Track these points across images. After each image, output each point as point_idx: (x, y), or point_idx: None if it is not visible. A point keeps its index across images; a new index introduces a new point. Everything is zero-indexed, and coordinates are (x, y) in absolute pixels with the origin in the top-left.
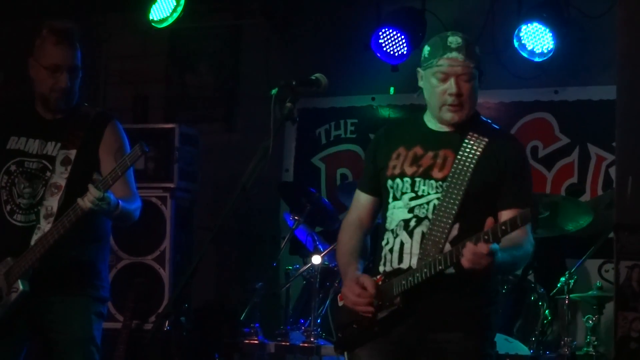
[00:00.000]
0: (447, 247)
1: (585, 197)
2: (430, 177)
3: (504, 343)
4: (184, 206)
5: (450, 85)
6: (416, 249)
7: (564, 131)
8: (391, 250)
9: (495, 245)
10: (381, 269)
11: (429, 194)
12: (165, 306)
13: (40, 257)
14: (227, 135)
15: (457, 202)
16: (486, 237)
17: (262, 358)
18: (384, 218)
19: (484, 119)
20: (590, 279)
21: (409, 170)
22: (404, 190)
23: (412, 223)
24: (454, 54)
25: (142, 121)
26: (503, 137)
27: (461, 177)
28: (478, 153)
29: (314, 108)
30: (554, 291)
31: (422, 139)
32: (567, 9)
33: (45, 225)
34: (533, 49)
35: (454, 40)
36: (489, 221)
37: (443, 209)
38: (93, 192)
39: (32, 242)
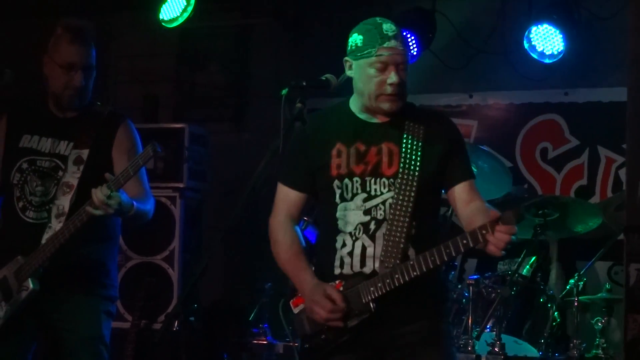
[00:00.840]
0: (409, 247)
1: (595, 199)
2: (381, 175)
3: (513, 345)
4: (193, 206)
5: (391, 75)
6: (379, 253)
7: (573, 133)
8: (350, 254)
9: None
10: (337, 271)
11: (382, 193)
12: (174, 306)
13: (50, 256)
14: (237, 135)
15: (411, 199)
16: (465, 241)
17: (270, 358)
18: (331, 218)
19: (408, 102)
20: (599, 281)
21: (357, 169)
22: (355, 192)
23: (372, 226)
24: (393, 43)
25: (152, 121)
26: (434, 118)
27: (411, 171)
28: (421, 142)
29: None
30: (563, 293)
31: (359, 133)
32: (578, 11)
33: (56, 224)
34: (543, 50)
35: (389, 28)
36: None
37: (399, 207)
38: (102, 191)
39: (43, 241)
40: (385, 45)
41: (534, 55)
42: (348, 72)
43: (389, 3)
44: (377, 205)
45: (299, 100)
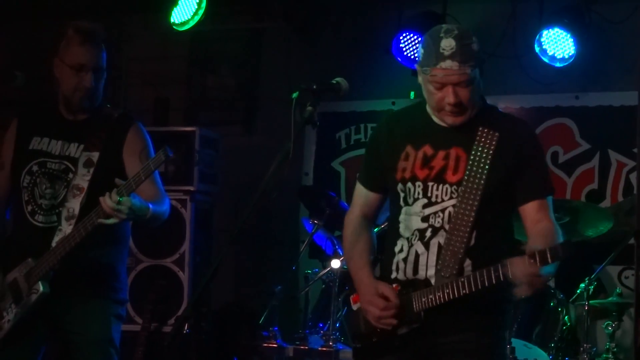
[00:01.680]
0: (466, 258)
1: (606, 203)
2: (445, 181)
3: (523, 349)
4: (203, 209)
5: (448, 95)
6: (432, 261)
7: (584, 137)
8: (405, 260)
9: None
10: (394, 275)
11: (443, 200)
12: (185, 309)
13: (61, 259)
14: (247, 138)
15: (474, 209)
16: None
17: None
18: (396, 221)
19: (489, 104)
20: (610, 285)
21: (421, 173)
22: (416, 196)
23: (428, 233)
24: (448, 63)
25: (163, 123)
26: (513, 125)
27: (477, 180)
28: (492, 150)
29: (334, 112)
30: (574, 297)
31: (430, 136)
32: (589, 15)
33: (66, 227)
34: (554, 54)
35: (447, 45)
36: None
37: (460, 216)
38: (112, 197)
39: (53, 244)
40: (439, 66)
41: (545, 59)
42: (419, 78)
43: (400, 6)
44: (437, 212)
45: (310, 103)
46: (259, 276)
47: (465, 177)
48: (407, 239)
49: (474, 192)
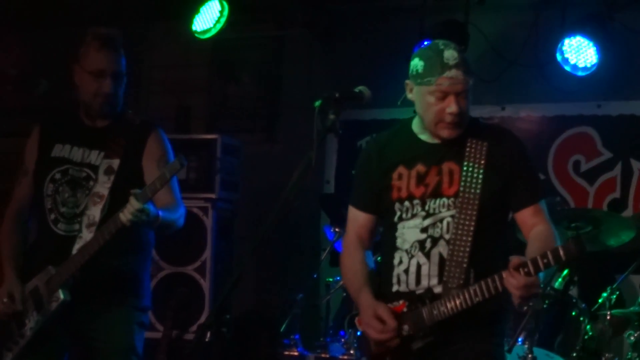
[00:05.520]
0: (471, 268)
1: (628, 213)
2: (442, 195)
3: (545, 358)
4: (225, 217)
5: (451, 104)
6: (434, 271)
7: (606, 146)
8: (406, 272)
9: (541, 275)
10: (395, 288)
11: (440, 211)
12: (207, 317)
13: (80, 267)
14: (269, 145)
15: (473, 218)
16: (526, 269)
17: None
18: (391, 237)
19: (472, 117)
20: (632, 294)
21: (417, 191)
22: (414, 212)
23: (428, 244)
24: (454, 72)
25: (184, 131)
26: (500, 134)
27: (472, 190)
28: (483, 160)
29: (356, 120)
30: (596, 306)
31: (421, 154)
32: (612, 23)
33: (87, 235)
34: (576, 63)
35: (450, 55)
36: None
37: (460, 227)
38: (133, 204)
39: (74, 251)
40: (445, 74)
41: (567, 68)
42: (409, 95)
43: (422, 15)
44: (435, 223)
45: (332, 111)
46: (280, 284)
47: (461, 189)
48: (406, 251)
49: (471, 202)
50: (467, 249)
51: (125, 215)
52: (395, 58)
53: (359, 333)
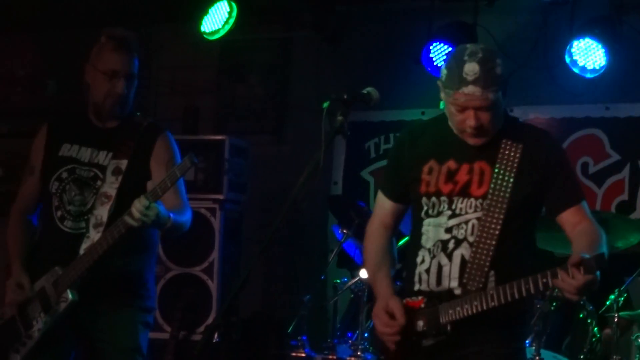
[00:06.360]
0: (491, 271)
1: (636, 215)
2: (469, 195)
3: None
4: (232, 218)
5: (469, 118)
6: (455, 272)
7: (614, 148)
8: (427, 271)
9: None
10: (416, 286)
11: (467, 212)
12: (215, 318)
13: (89, 268)
14: (277, 147)
15: (500, 222)
16: (544, 280)
17: None
18: (418, 233)
19: (511, 116)
20: None
21: (445, 188)
22: (440, 210)
23: (451, 245)
24: (471, 89)
25: (192, 132)
26: (537, 136)
27: (502, 193)
28: (516, 163)
29: (364, 121)
30: (603, 309)
31: (453, 150)
32: (620, 25)
33: (94, 235)
34: (585, 65)
35: (470, 70)
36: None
37: (486, 230)
38: (142, 202)
39: (81, 251)
40: (462, 91)
41: (576, 70)
42: (441, 95)
43: (431, 17)
44: (460, 224)
45: (340, 113)
46: (287, 285)
47: (490, 191)
48: (429, 250)
49: (499, 205)
50: (490, 253)
51: (134, 214)
52: (403, 60)
53: (371, 323)
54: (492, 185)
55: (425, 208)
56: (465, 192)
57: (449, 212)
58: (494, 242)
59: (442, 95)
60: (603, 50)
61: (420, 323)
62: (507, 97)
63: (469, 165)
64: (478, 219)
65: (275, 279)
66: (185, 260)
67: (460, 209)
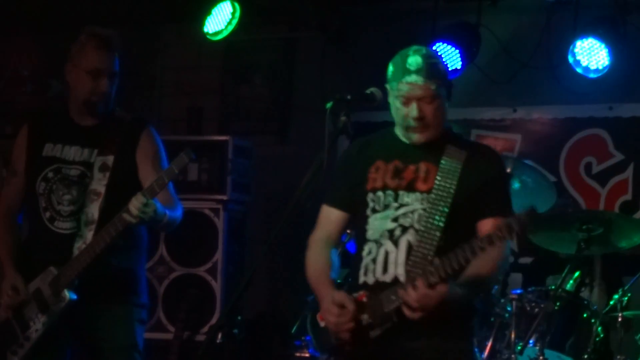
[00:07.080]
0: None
1: None
2: (415, 190)
3: None
4: (236, 218)
5: (412, 108)
6: (402, 258)
7: (618, 147)
8: (374, 261)
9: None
10: (362, 279)
11: (413, 204)
12: (218, 318)
13: (86, 267)
14: (281, 147)
15: (444, 215)
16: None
17: None
18: (362, 230)
19: (455, 132)
20: None
21: (392, 182)
22: (386, 203)
23: (397, 232)
24: (413, 78)
25: (196, 132)
26: (481, 148)
27: (446, 189)
28: (460, 165)
29: (367, 122)
30: (607, 308)
31: (400, 152)
32: (623, 25)
33: (86, 233)
34: (588, 65)
35: (413, 61)
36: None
37: (430, 220)
38: (139, 199)
39: (75, 250)
40: (404, 80)
41: (579, 70)
42: (389, 99)
43: (435, 17)
44: (406, 213)
45: (344, 113)
46: (291, 286)
47: (435, 186)
48: (375, 240)
49: (444, 200)
50: (435, 243)
51: (132, 211)
52: None
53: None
54: (436, 182)
55: (371, 205)
56: (411, 187)
57: (396, 204)
58: (438, 234)
59: (388, 90)
60: (607, 50)
61: (365, 316)
62: (511, 97)
63: (414, 165)
64: (424, 209)
65: (279, 279)
66: (189, 261)
67: (407, 202)
